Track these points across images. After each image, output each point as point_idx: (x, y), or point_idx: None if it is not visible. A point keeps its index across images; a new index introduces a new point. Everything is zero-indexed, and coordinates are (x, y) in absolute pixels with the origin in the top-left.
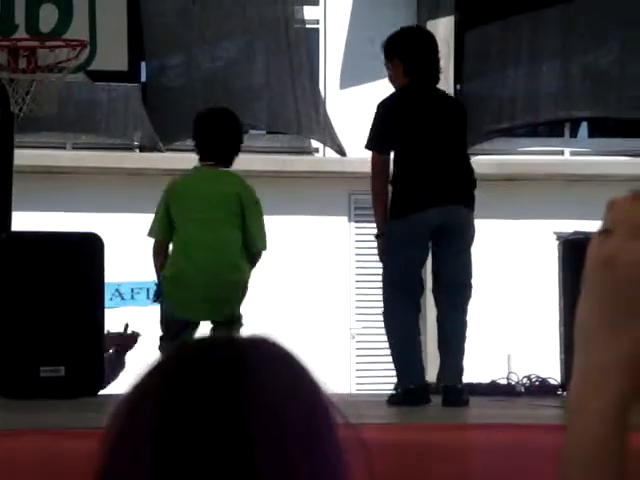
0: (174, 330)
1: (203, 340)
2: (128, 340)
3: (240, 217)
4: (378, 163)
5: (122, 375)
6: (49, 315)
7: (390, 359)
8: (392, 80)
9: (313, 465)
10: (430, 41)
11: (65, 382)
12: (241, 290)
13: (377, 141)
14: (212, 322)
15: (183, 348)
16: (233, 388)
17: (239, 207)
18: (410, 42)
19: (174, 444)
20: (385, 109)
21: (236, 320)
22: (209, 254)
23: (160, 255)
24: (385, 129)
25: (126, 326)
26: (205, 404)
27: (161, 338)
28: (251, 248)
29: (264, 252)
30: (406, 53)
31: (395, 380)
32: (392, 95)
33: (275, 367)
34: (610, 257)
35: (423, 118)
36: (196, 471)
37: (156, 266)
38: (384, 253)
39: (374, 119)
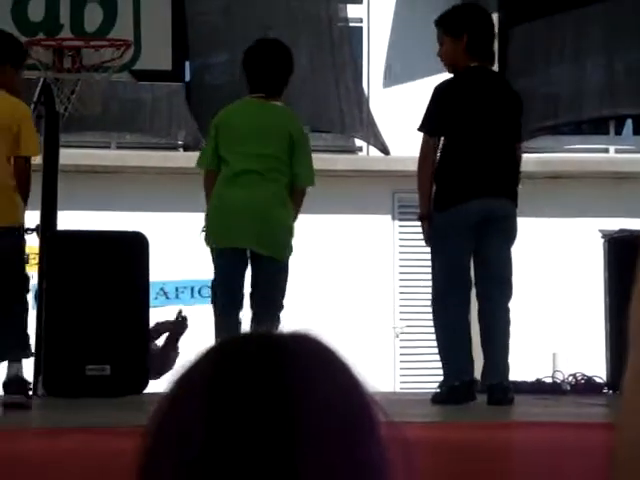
0: (222, 274)
1: (248, 335)
2: (179, 326)
3: (288, 153)
4: (427, 146)
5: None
6: (95, 314)
7: (433, 357)
8: (448, 56)
9: (354, 462)
10: (491, 21)
11: (110, 381)
12: (286, 231)
13: (429, 124)
14: (255, 255)
15: (228, 342)
16: (277, 384)
17: (289, 142)
18: (477, 19)
19: (219, 440)
20: (441, 93)
21: (282, 265)
22: (255, 188)
23: (210, 186)
24: (438, 113)
25: (179, 312)
26: (250, 399)
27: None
28: (297, 184)
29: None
30: (474, 30)
31: (439, 378)
32: (450, 80)
33: (318, 364)
34: None
35: (476, 108)
36: (239, 462)
37: (207, 197)
38: (429, 238)
39: (429, 102)
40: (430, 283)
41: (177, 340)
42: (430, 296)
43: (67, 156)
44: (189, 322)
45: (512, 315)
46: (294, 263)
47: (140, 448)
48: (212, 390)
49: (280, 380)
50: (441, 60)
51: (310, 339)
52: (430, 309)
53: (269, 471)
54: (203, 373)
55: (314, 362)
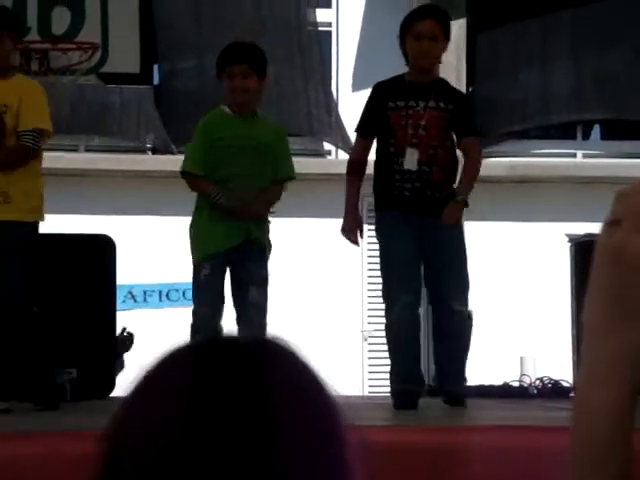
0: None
1: (220, 339)
2: (122, 344)
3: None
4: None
5: (121, 376)
6: (61, 317)
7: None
8: (439, 56)
9: (317, 465)
10: None
11: (76, 384)
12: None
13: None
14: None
15: (200, 346)
16: (244, 389)
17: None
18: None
19: (200, 441)
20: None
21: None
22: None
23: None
24: None
25: (123, 329)
26: (233, 400)
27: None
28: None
29: (274, 254)
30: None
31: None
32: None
33: (281, 367)
34: (618, 248)
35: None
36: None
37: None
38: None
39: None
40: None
41: (122, 355)
42: None
43: None
44: (135, 339)
45: (482, 320)
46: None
47: (101, 452)
48: (194, 383)
49: (248, 385)
50: (424, 54)
51: (273, 343)
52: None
53: (241, 474)
54: (184, 366)
55: (277, 365)
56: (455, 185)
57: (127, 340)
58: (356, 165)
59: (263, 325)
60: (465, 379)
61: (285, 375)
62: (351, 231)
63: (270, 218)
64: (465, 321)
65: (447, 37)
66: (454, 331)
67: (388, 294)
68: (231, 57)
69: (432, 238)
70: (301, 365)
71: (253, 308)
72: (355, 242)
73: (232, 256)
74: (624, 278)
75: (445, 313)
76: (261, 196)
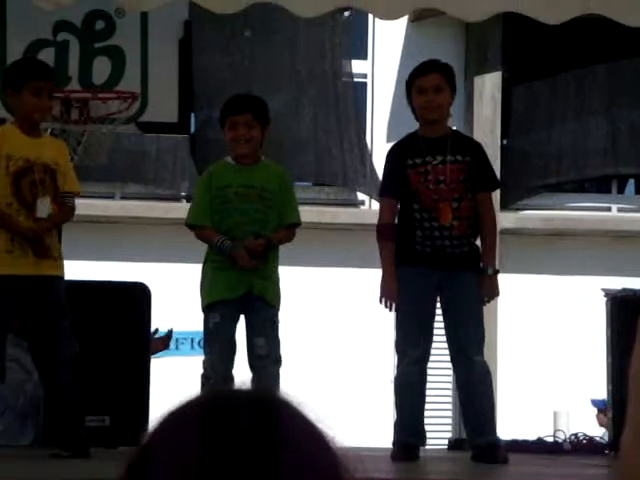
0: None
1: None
2: (157, 344)
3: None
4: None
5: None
6: (96, 364)
7: (432, 411)
8: (446, 108)
9: None
10: None
11: (109, 432)
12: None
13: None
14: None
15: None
16: (248, 443)
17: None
18: None
19: None
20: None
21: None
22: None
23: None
24: None
25: (155, 330)
26: (240, 456)
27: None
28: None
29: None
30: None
31: (440, 434)
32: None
33: (289, 423)
34: None
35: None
36: None
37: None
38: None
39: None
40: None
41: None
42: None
43: None
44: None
45: (515, 374)
46: (296, 316)
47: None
48: (203, 439)
49: (252, 443)
50: (430, 106)
51: (277, 400)
52: (434, 364)
53: None
54: (193, 421)
55: (281, 422)
56: (476, 240)
57: (161, 343)
58: (387, 229)
59: (274, 376)
60: (495, 432)
61: (288, 430)
62: (390, 298)
63: (280, 269)
64: (489, 372)
65: (452, 89)
66: (478, 381)
67: (397, 348)
68: (234, 107)
69: (452, 292)
70: (304, 421)
71: (261, 360)
72: (390, 308)
73: (240, 306)
74: None
75: (466, 364)
76: (266, 240)
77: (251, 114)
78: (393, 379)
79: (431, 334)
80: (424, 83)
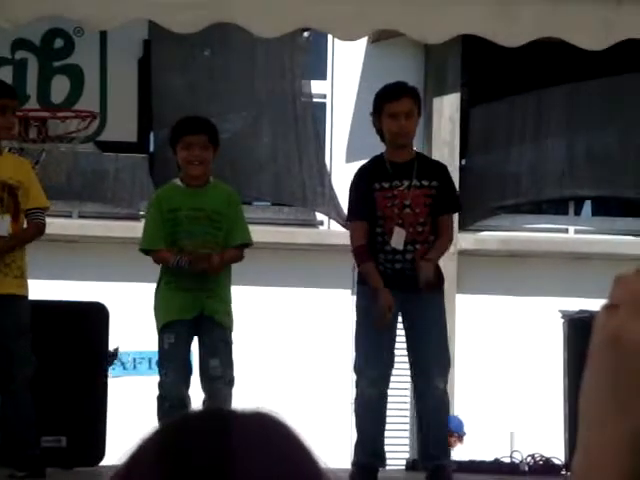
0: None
1: (198, 412)
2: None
3: None
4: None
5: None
6: (53, 384)
7: (391, 432)
8: (413, 132)
9: None
10: None
11: (66, 452)
12: None
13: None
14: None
15: (179, 424)
16: (222, 462)
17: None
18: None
19: None
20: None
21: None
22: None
23: None
24: None
25: (116, 349)
26: (196, 476)
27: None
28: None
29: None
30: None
31: (399, 454)
32: None
33: (268, 442)
34: (615, 333)
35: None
36: None
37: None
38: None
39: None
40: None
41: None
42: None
43: None
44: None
45: (472, 394)
46: (254, 336)
47: None
48: (161, 473)
49: (226, 458)
50: (402, 132)
51: (261, 417)
52: (393, 385)
53: None
54: (152, 455)
55: (263, 443)
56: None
57: (111, 356)
58: (363, 250)
59: (227, 397)
60: (449, 455)
61: (267, 449)
62: (390, 306)
63: (235, 288)
64: (447, 398)
65: (419, 113)
66: (439, 408)
67: (356, 369)
68: (190, 128)
69: (414, 314)
70: (288, 438)
71: (215, 381)
72: (389, 317)
73: (193, 327)
74: (621, 364)
75: (430, 392)
76: (216, 253)
77: (206, 135)
78: (353, 400)
79: (392, 355)
80: (396, 108)
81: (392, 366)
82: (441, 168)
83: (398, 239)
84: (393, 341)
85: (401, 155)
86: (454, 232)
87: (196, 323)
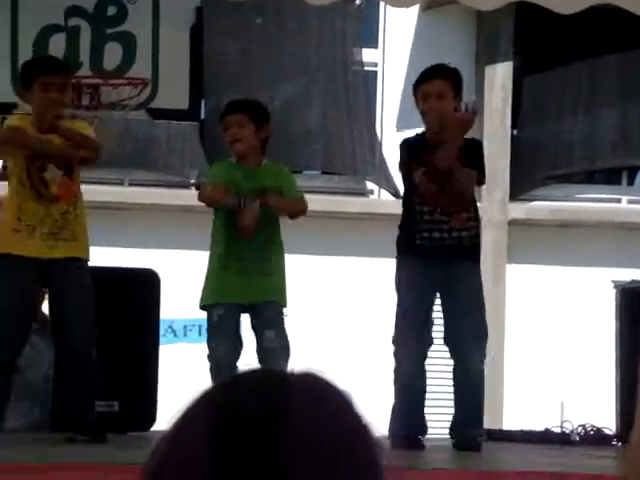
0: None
1: (251, 372)
2: None
3: None
4: None
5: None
6: (104, 350)
7: (439, 400)
8: (448, 113)
9: None
10: None
11: (118, 417)
12: None
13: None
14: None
15: (231, 382)
16: (275, 423)
17: None
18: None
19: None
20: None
21: None
22: None
23: None
24: None
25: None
26: (248, 444)
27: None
28: None
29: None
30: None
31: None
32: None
33: (320, 404)
34: None
35: None
36: None
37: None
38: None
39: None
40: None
41: None
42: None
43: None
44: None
45: (523, 364)
46: (306, 305)
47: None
48: (212, 430)
49: (279, 420)
50: (429, 115)
51: (314, 378)
52: (437, 353)
53: None
54: (202, 413)
55: (316, 402)
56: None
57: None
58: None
59: (283, 368)
60: (480, 425)
61: (319, 412)
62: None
63: (288, 257)
64: (482, 373)
65: (457, 93)
66: (473, 384)
67: (395, 339)
68: (226, 109)
69: (451, 286)
70: (340, 402)
71: (271, 352)
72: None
73: (244, 306)
74: None
75: (464, 371)
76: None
77: (243, 114)
78: (393, 371)
79: (429, 327)
80: (428, 89)
81: (430, 344)
82: (474, 142)
83: (427, 185)
84: (429, 318)
85: (439, 135)
86: (505, 204)
87: (248, 304)
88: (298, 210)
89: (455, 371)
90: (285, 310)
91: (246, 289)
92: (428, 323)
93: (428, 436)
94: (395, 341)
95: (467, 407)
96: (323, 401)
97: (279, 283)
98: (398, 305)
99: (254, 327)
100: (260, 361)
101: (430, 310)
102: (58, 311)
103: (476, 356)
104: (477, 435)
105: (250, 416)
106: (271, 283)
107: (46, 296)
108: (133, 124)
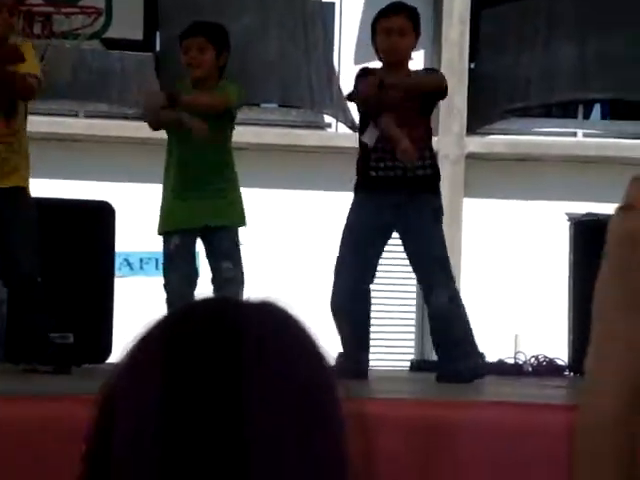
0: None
1: (205, 300)
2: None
3: None
4: None
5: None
6: (59, 282)
7: (402, 331)
8: (408, 52)
9: (308, 432)
10: None
11: (73, 349)
12: None
13: None
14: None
15: (186, 309)
16: (229, 349)
17: None
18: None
19: (173, 411)
20: None
21: None
22: None
23: None
24: None
25: None
26: (205, 370)
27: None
28: None
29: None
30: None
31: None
32: None
33: (275, 331)
34: (631, 232)
35: None
36: (192, 431)
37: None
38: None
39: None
40: (388, 260)
41: None
42: (395, 271)
43: (35, 124)
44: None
45: (478, 297)
46: (260, 239)
47: (93, 417)
48: (166, 357)
49: (233, 346)
50: (394, 49)
51: (270, 305)
52: (399, 287)
53: (220, 441)
54: (157, 340)
55: (272, 328)
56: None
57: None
58: (372, 100)
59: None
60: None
61: (274, 339)
62: (411, 148)
63: (242, 190)
64: (458, 304)
65: (417, 32)
66: (447, 318)
67: (335, 271)
68: (185, 32)
69: (408, 224)
70: (296, 330)
71: (227, 283)
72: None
73: (199, 232)
74: (636, 262)
75: (432, 299)
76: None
77: (204, 37)
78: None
79: (375, 259)
80: (389, 25)
81: (371, 281)
82: (429, 69)
83: (371, 136)
84: (378, 256)
85: (395, 73)
86: (462, 137)
87: (203, 230)
88: (206, 102)
89: (427, 302)
90: (241, 240)
91: (201, 211)
92: (374, 262)
93: (390, 367)
94: (335, 272)
95: (439, 342)
96: (280, 327)
97: (235, 204)
98: (343, 234)
99: (209, 257)
100: (216, 291)
101: (378, 250)
102: (3, 240)
103: (439, 291)
104: (453, 368)
105: (205, 342)
106: (225, 204)
107: None
108: (87, 54)
